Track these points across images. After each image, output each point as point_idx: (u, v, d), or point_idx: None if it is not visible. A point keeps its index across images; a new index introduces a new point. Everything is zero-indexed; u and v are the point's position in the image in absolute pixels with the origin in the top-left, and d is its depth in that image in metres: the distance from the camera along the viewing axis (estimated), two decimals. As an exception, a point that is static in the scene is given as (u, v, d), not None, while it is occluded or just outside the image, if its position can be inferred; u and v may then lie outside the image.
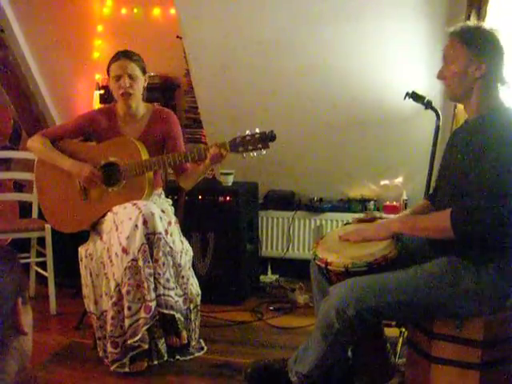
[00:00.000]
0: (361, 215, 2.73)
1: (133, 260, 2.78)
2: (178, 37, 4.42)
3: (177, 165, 3.03)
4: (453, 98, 2.36)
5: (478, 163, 2.06)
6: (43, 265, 3.84)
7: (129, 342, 2.79)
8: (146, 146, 3.08)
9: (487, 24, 2.31)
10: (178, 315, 2.87)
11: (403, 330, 2.91)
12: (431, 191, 2.61)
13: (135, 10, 4.85)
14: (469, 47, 2.19)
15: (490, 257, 2.11)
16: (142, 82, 3.14)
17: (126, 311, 2.78)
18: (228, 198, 3.99)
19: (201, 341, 3.19)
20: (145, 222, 2.80)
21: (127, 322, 2.78)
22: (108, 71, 3.13)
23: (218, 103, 4.33)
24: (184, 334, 2.96)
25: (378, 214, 2.75)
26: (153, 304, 2.77)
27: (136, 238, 2.78)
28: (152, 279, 2.79)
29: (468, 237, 2.06)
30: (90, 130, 3.21)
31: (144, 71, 3.15)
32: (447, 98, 2.38)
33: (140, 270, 2.77)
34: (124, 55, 3.09)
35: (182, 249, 3.03)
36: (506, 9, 3.17)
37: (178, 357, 3.02)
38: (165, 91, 4.80)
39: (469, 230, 2.04)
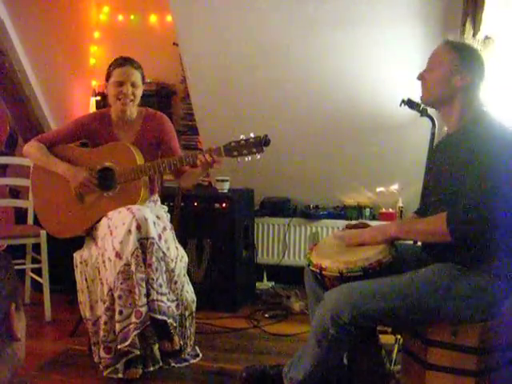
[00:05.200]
0: (352, 222, 2.74)
1: (125, 265, 2.77)
2: (174, 44, 4.43)
3: (175, 167, 3.02)
4: (428, 101, 2.38)
5: (467, 171, 2.08)
6: (38, 271, 3.83)
7: (119, 346, 2.77)
8: (141, 150, 3.08)
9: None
10: (170, 320, 2.86)
11: (399, 336, 2.90)
12: (418, 206, 2.62)
13: (132, 17, 4.88)
14: (460, 56, 2.23)
15: (485, 261, 2.11)
16: (141, 91, 3.16)
17: (117, 315, 2.77)
18: (224, 205, 3.99)
19: (196, 348, 3.18)
20: (138, 227, 2.79)
21: (118, 327, 2.76)
22: (109, 75, 3.13)
23: (214, 110, 4.33)
24: (176, 338, 2.95)
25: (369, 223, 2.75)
26: (143, 309, 2.76)
27: (129, 243, 2.77)
28: (144, 284, 2.78)
29: (464, 238, 2.07)
30: (85, 134, 3.22)
31: (144, 80, 3.17)
32: (422, 101, 2.40)
33: (132, 275, 2.76)
34: (130, 63, 3.10)
35: (177, 255, 3.02)
36: (502, 16, 3.18)
37: (173, 364, 3.02)
38: (161, 98, 4.82)
39: (465, 231, 2.05)
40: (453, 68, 2.23)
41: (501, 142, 2.10)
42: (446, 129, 2.43)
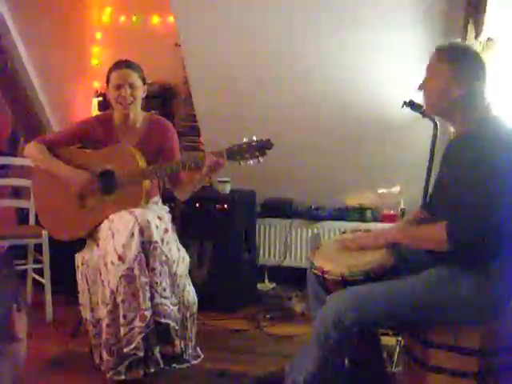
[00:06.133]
0: (357, 226, 2.75)
1: (128, 269, 2.77)
2: (176, 45, 4.43)
3: (172, 175, 3.03)
4: (431, 111, 2.40)
5: (472, 176, 2.07)
6: (40, 271, 3.82)
7: (125, 350, 2.77)
8: (143, 155, 3.07)
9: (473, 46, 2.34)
10: (172, 324, 2.86)
11: (400, 338, 2.90)
12: (427, 200, 2.62)
13: (134, 18, 4.88)
14: (455, 67, 2.19)
15: (486, 264, 2.10)
16: (141, 92, 3.14)
17: (121, 320, 2.77)
18: (225, 206, 3.99)
19: (197, 349, 3.17)
20: (141, 231, 2.79)
21: (123, 331, 2.76)
22: (108, 79, 3.13)
23: (217, 111, 4.33)
24: (177, 342, 2.95)
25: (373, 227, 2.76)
26: (148, 313, 2.76)
27: (132, 247, 2.77)
28: (148, 288, 2.78)
29: (462, 248, 2.06)
30: (87, 137, 3.20)
31: (144, 81, 3.16)
32: (426, 111, 2.42)
33: (136, 279, 2.76)
34: (126, 65, 3.10)
35: (179, 257, 3.02)
36: (504, 18, 3.18)
37: (174, 365, 3.01)
38: (163, 99, 4.82)
39: (464, 242, 2.04)
40: (449, 79, 2.18)
41: (506, 146, 2.09)
42: (452, 130, 2.43)
